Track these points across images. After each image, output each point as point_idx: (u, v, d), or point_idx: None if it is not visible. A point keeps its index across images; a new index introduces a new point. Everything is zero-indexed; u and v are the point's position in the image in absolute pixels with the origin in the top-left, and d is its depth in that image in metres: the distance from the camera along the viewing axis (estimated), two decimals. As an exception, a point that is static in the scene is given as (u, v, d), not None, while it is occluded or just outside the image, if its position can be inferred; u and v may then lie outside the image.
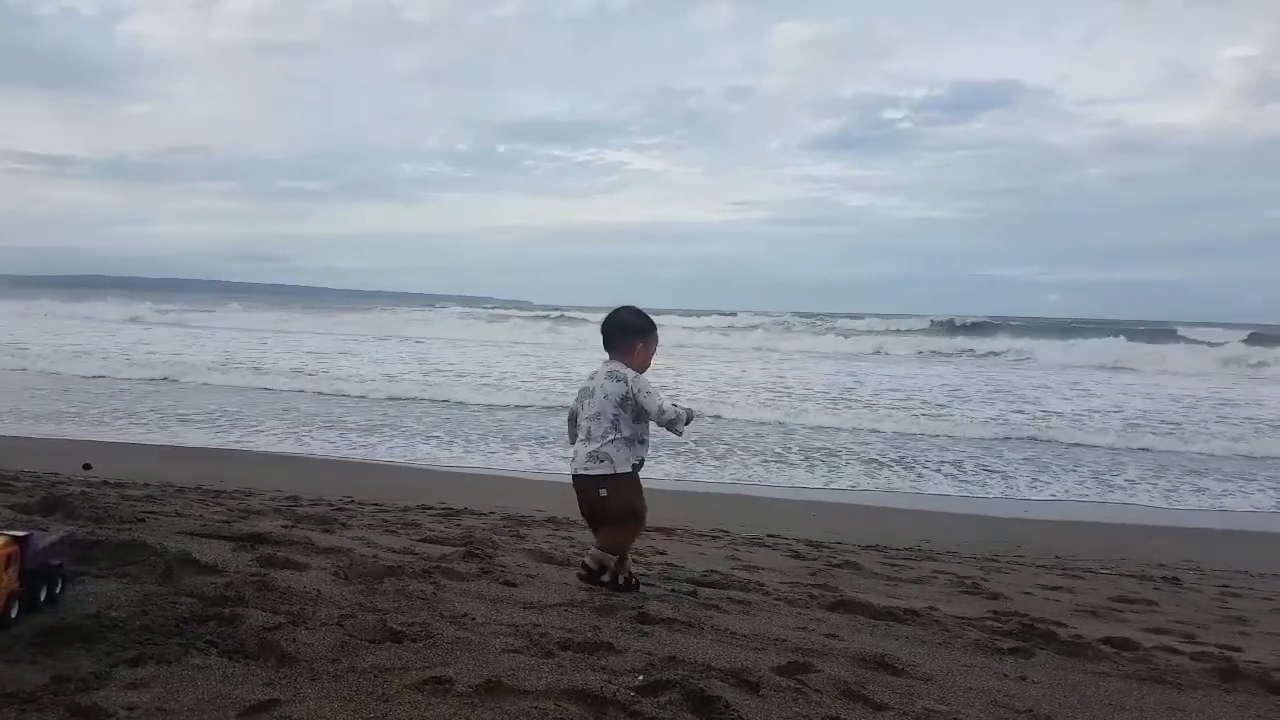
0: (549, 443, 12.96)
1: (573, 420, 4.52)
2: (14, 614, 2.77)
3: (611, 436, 4.24)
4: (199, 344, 31.57)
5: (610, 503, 4.27)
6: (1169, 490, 11.52)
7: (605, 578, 4.32)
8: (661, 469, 11.16)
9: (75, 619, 2.83)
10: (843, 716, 2.81)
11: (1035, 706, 3.22)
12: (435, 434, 13.75)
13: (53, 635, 2.73)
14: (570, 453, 4.45)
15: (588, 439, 4.30)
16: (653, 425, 4.36)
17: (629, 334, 4.48)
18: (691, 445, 12.76)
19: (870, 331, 49.07)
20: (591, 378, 4.47)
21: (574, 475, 4.35)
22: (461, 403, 17.61)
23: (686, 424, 4.33)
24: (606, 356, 4.50)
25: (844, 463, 12.47)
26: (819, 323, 57.88)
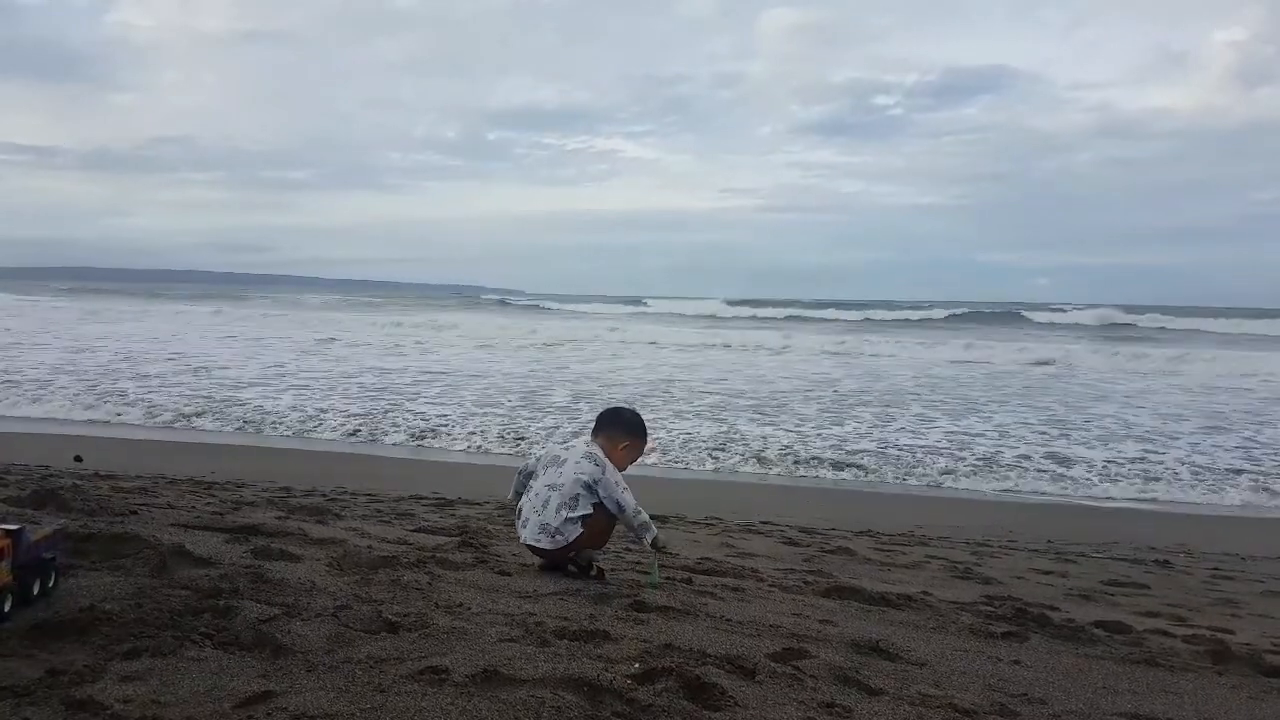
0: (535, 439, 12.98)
1: (523, 475, 4.55)
2: (7, 608, 2.76)
3: (565, 515, 4.24)
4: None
5: (583, 555, 4.35)
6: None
7: (572, 568, 4.39)
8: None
9: (69, 612, 2.82)
10: (838, 702, 2.82)
11: (1029, 690, 3.24)
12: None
13: (46, 629, 2.71)
14: (519, 514, 4.43)
15: (543, 508, 4.29)
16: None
17: (626, 428, 4.61)
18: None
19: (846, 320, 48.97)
20: (566, 447, 4.51)
21: (526, 544, 4.36)
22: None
23: (652, 542, 4.36)
24: (588, 437, 4.60)
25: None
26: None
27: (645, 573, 4.63)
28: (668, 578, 4.52)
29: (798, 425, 13.78)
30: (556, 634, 3.19)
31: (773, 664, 3.10)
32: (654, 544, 4.38)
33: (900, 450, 12.07)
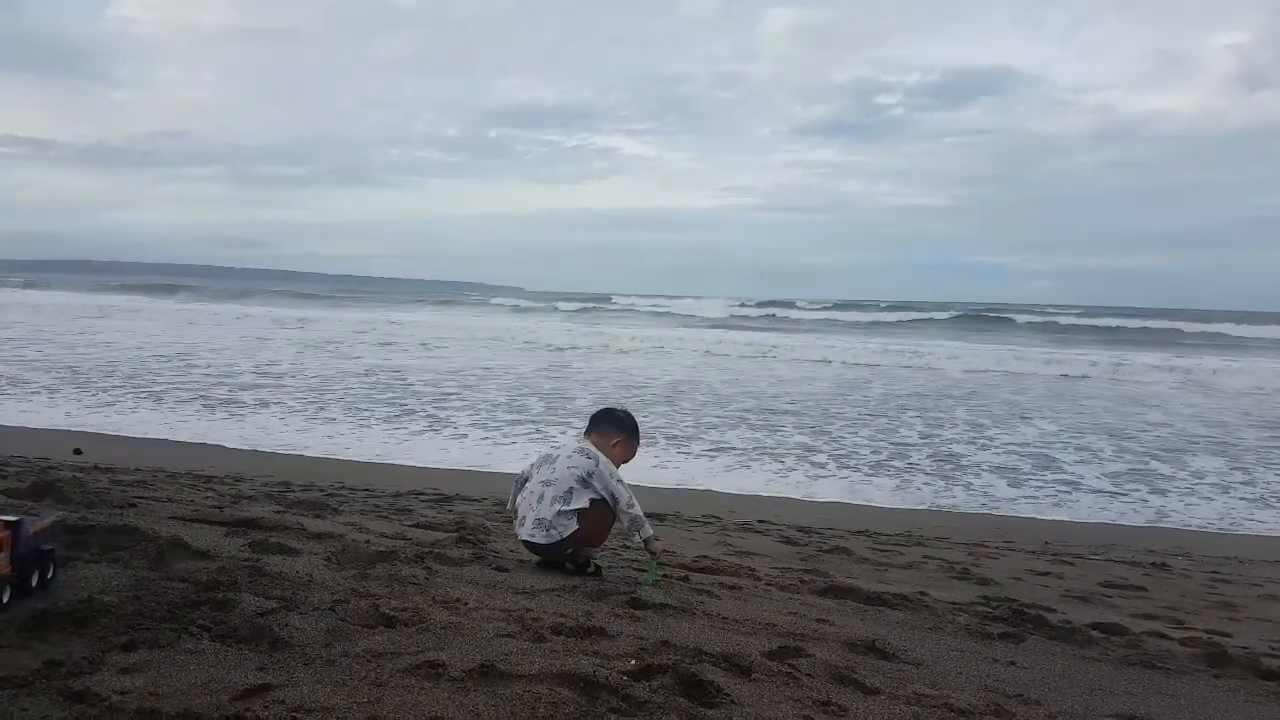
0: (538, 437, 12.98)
1: (520, 483, 4.57)
2: (6, 599, 2.76)
3: (560, 508, 4.26)
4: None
5: (580, 552, 4.36)
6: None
7: (569, 565, 4.39)
8: (656, 461, 11.16)
9: (67, 604, 2.82)
10: (834, 700, 2.82)
11: (1025, 691, 3.25)
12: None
13: (45, 620, 2.72)
14: (516, 515, 4.47)
15: (539, 502, 4.31)
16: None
17: (619, 426, 4.64)
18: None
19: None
20: (557, 448, 4.56)
21: (523, 540, 4.38)
22: None
23: (646, 537, 4.37)
24: (580, 435, 4.65)
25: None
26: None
27: (643, 570, 4.64)
28: (664, 575, 4.53)
29: (851, 433, 13.57)
30: (553, 630, 3.20)
31: (769, 662, 3.10)
32: (647, 543, 4.39)
33: (965, 467, 11.52)
